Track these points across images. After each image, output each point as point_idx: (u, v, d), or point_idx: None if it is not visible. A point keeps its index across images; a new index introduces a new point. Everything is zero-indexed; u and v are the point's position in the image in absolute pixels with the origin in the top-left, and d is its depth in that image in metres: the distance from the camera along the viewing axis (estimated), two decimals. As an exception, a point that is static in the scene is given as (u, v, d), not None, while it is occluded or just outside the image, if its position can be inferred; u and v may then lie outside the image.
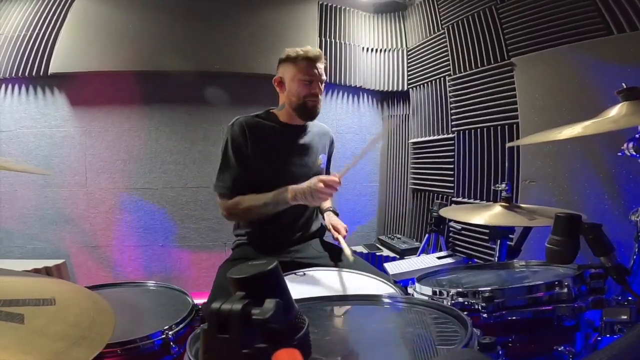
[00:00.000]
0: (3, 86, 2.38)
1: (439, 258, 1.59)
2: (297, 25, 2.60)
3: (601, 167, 1.45)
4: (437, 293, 0.76)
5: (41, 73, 2.32)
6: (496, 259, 1.29)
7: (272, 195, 1.23)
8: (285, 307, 0.32)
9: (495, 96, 1.97)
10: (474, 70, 2.12)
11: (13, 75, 2.32)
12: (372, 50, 2.84)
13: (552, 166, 1.64)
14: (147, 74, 2.43)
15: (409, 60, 2.81)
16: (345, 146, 2.80)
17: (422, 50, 2.63)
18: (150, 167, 2.51)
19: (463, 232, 2.15)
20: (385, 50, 2.86)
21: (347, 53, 2.74)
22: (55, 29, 2.33)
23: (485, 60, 2.03)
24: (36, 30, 2.33)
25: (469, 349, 0.44)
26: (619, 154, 0.94)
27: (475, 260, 2.06)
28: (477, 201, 2.10)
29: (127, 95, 2.47)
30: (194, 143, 2.54)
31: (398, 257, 2.38)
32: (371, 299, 0.71)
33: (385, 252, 2.52)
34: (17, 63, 2.31)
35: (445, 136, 2.37)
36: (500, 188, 1.25)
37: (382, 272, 1.27)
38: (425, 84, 2.58)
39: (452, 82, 2.30)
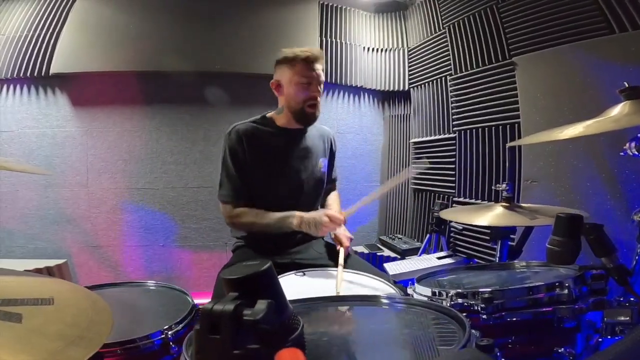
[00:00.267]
0: (5, 87, 2.39)
1: (439, 258, 1.59)
2: (298, 25, 2.59)
3: (603, 167, 1.44)
4: (437, 294, 0.76)
5: (42, 73, 2.32)
6: (497, 259, 1.28)
7: (277, 218, 1.24)
8: (278, 308, 0.32)
9: (497, 96, 1.96)
10: (475, 70, 2.11)
11: (15, 75, 2.33)
12: (373, 50, 2.84)
13: (554, 166, 1.63)
14: (148, 74, 2.44)
15: (410, 60, 2.80)
16: (346, 146, 2.80)
17: (423, 50, 2.62)
18: (151, 167, 2.51)
19: (464, 232, 2.15)
20: (386, 50, 2.85)
21: (348, 53, 2.74)
22: (57, 30, 2.34)
23: (486, 60, 2.03)
24: (37, 31, 2.34)
25: (470, 349, 0.44)
26: (621, 153, 0.93)
27: (476, 260, 2.06)
28: (479, 201, 2.10)
29: (128, 96, 2.48)
30: (195, 143, 2.54)
31: (399, 257, 2.37)
32: (369, 300, 0.71)
33: (386, 252, 2.52)
34: (18, 63, 2.32)
35: (447, 136, 2.36)
36: (500, 188, 1.24)
37: (382, 273, 1.27)
38: (426, 84, 2.58)
39: (453, 82, 2.29)
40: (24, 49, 2.32)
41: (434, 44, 2.48)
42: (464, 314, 0.55)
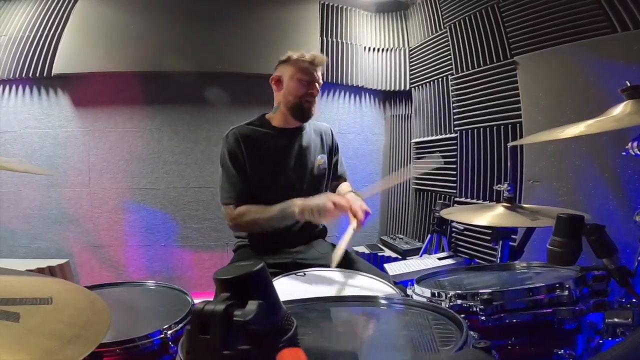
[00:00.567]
0: (7, 87, 2.41)
1: (439, 259, 1.58)
2: (299, 25, 2.59)
3: (606, 167, 1.43)
4: (436, 295, 0.75)
5: (44, 74, 2.34)
6: (498, 259, 1.27)
7: (278, 209, 1.22)
8: (270, 309, 0.32)
9: (498, 95, 1.95)
10: (477, 70, 2.10)
11: (17, 76, 2.34)
12: (373, 49, 2.83)
13: (556, 166, 1.62)
14: (149, 74, 2.44)
15: (411, 60, 2.80)
16: (347, 146, 2.80)
17: (424, 50, 2.62)
18: (153, 168, 2.52)
19: (466, 232, 2.14)
20: (387, 50, 2.84)
21: (349, 53, 2.73)
22: (58, 31, 2.35)
23: (487, 59, 2.02)
24: (39, 32, 2.36)
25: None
26: (624, 153, 0.92)
27: (477, 261, 2.05)
28: (480, 201, 2.09)
29: (129, 96, 2.49)
30: (196, 143, 2.55)
31: (400, 257, 2.36)
32: (368, 301, 0.71)
33: (388, 253, 2.51)
34: (20, 64, 2.34)
35: (448, 136, 2.36)
36: (502, 188, 1.23)
37: (383, 273, 1.26)
38: (428, 84, 2.57)
39: (454, 82, 2.29)
40: (25, 49, 2.34)
41: (435, 43, 2.47)
42: (462, 316, 0.54)
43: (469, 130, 2.17)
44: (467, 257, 2.10)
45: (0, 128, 2.41)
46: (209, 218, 2.56)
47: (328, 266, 1.21)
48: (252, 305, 0.29)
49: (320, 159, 1.41)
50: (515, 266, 0.99)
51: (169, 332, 0.83)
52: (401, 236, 2.71)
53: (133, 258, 2.53)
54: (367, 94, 2.89)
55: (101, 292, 1.04)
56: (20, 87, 2.41)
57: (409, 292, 0.87)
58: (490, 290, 0.69)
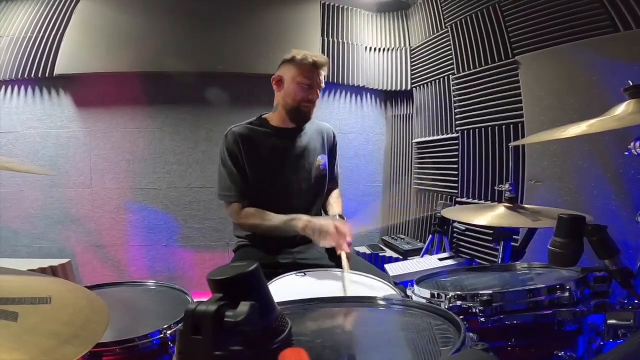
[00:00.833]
0: (9, 87, 2.42)
1: (440, 259, 1.57)
2: (300, 25, 2.59)
3: (609, 167, 1.42)
4: (435, 296, 0.75)
5: (47, 74, 2.35)
6: (499, 260, 1.27)
7: (283, 220, 1.23)
8: (263, 310, 0.31)
9: (500, 95, 1.94)
10: (478, 69, 2.09)
11: (19, 76, 2.36)
12: (375, 49, 2.83)
13: (558, 166, 1.61)
14: (151, 75, 2.45)
15: (412, 60, 2.79)
16: (348, 146, 2.79)
17: (425, 49, 2.61)
18: (154, 168, 2.52)
19: (467, 232, 2.13)
20: (388, 50, 2.84)
21: (350, 52, 2.73)
22: (60, 31, 2.36)
23: (489, 59, 2.01)
24: (41, 32, 2.37)
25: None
26: (626, 153, 0.92)
27: (477, 261, 2.04)
28: (482, 202, 2.08)
29: (131, 96, 2.49)
30: (197, 143, 2.55)
31: (401, 257, 2.36)
32: (366, 301, 0.70)
33: (389, 253, 2.51)
34: (22, 64, 2.35)
35: (449, 136, 2.35)
36: (503, 188, 1.22)
37: (383, 273, 1.26)
38: (429, 83, 2.56)
39: (456, 81, 2.28)
40: (27, 50, 2.35)
41: (437, 43, 2.47)
42: (461, 317, 0.54)
43: (471, 130, 2.16)
44: (468, 257, 2.09)
45: (3, 128, 2.42)
46: (210, 218, 2.57)
47: (329, 266, 1.21)
48: (244, 307, 0.29)
49: (320, 160, 1.41)
50: (516, 267, 0.99)
51: (169, 332, 0.83)
52: (402, 236, 2.70)
53: (134, 258, 2.53)
54: (368, 93, 2.89)
55: (102, 291, 1.04)
56: (23, 88, 2.43)
57: (408, 292, 0.86)
58: (489, 292, 0.69)
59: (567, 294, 0.69)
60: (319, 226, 1.16)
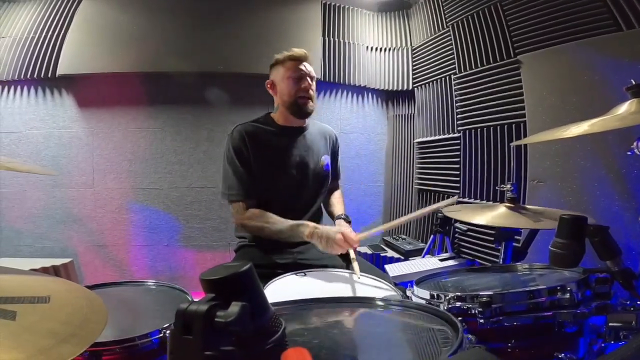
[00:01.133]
0: (12, 88, 2.43)
1: (441, 260, 1.57)
2: (301, 25, 2.59)
3: (612, 167, 1.41)
4: (435, 297, 0.75)
5: (49, 75, 2.36)
6: (501, 260, 1.26)
7: (289, 226, 1.23)
8: (256, 310, 0.31)
9: (502, 94, 1.93)
10: (480, 69, 2.08)
11: (22, 77, 2.37)
12: (376, 49, 2.82)
13: (560, 166, 1.60)
14: (152, 75, 2.46)
15: (413, 59, 2.78)
16: (349, 146, 2.79)
17: (427, 49, 2.60)
18: (156, 168, 2.53)
19: (469, 233, 2.12)
20: (389, 49, 2.83)
21: (351, 52, 2.73)
22: (62, 32, 2.37)
23: (491, 58, 2.00)
24: (43, 33, 2.38)
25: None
26: (629, 153, 0.91)
27: (478, 262, 2.03)
28: (484, 202, 2.07)
29: (132, 97, 2.50)
30: (199, 143, 2.56)
31: (403, 258, 2.35)
32: (364, 302, 0.70)
33: (390, 253, 2.50)
34: (25, 65, 2.36)
35: (451, 135, 2.34)
36: (504, 188, 1.22)
37: (384, 274, 1.26)
38: (431, 83, 2.55)
39: (457, 81, 2.27)
40: (30, 50, 2.36)
41: (438, 42, 2.46)
42: (459, 318, 0.54)
43: (472, 130, 2.15)
44: (469, 258, 2.08)
45: (6, 128, 2.43)
46: (211, 218, 2.57)
47: (330, 266, 1.21)
48: (235, 307, 0.29)
49: (324, 160, 1.42)
50: (517, 268, 0.98)
51: (169, 331, 0.82)
52: (404, 236, 2.69)
53: (136, 257, 2.54)
54: (369, 93, 2.88)
55: (102, 291, 1.04)
56: (25, 88, 2.44)
57: (408, 293, 0.86)
58: (489, 293, 0.68)
59: (568, 295, 0.69)
60: (326, 234, 1.15)
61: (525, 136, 1.79)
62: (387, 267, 1.52)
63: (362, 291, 0.97)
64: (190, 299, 1.00)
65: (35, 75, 2.37)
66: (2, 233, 2.43)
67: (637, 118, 0.80)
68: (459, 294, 0.71)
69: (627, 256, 0.76)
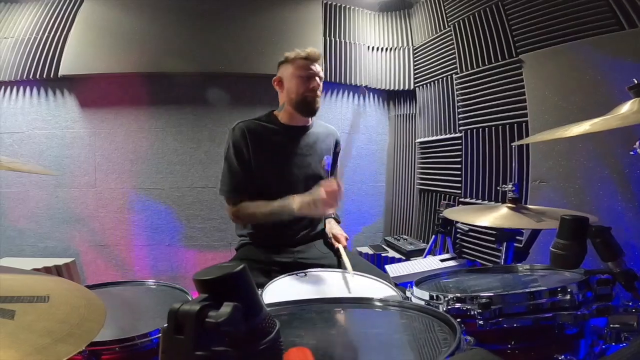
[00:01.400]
0: (15, 88, 2.45)
1: (442, 261, 1.56)
2: (302, 25, 2.59)
3: (614, 167, 1.40)
4: (434, 297, 0.74)
5: (51, 75, 2.37)
6: (502, 261, 1.25)
7: (277, 205, 1.23)
8: (249, 311, 0.31)
9: (504, 94, 1.92)
10: (482, 68, 2.07)
11: (24, 77, 2.38)
12: (377, 49, 2.82)
13: (563, 166, 1.59)
14: (154, 75, 2.46)
15: (415, 59, 2.77)
16: (350, 146, 2.78)
17: (428, 49, 2.59)
18: (157, 168, 2.54)
19: (470, 233, 2.11)
20: (391, 49, 2.83)
21: (353, 52, 2.72)
22: (64, 32, 2.38)
23: (492, 58, 1.99)
24: (45, 34, 2.39)
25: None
26: (631, 152, 0.90)
27: (479, 262, 2.02)
28: (485, 202, 2.06)
29: (134, 97, 2.51)
30: (200, 144, 2.56)
31: (404, 258, 2.34)
32: (363, 303, 0.70)
33: (391, 253, 2.49)
34: (27, 66, 2.37)
35: (453, 135, 2.33)
36: (506, 188, 1.21)
37: (384, 274, 1.25)
38: (432, 83, 2.54)
39: (459, 81, 2.26)
40: (32, 51, 2.37)
41: (440, 42, 2.45)
42: (458, 320, 0.53)
43: (474, 130, 2.14)
44: (471, 258, 2.07)
45: (9, 129, 2.45)
46: (212, 218, 2.57)
47: (330, 266, 1.21)
48: (226, 308, 0.29)
49: (325, 160, 1.42)
50: (518, 269, 0.97)
51: (164, 331, 0.82)
52: (405, 237, 2.68)
53: (138, 257, 2.55)
54: (371, 93, 2.88)
55: (103, 291, 1.04)
56: (28, 89, 2.45)
57: (407, 294, 0.85)
58: (488, 294, 0.67)
59: (568, 296, 0.68)
60: (311, 198, 1.15)
61: (527, 136, 1.78)
62: (387, 267, 1.51)
63: (362, 292, 0.97)
64: (190, 298, 1.00)
65: (37, 76, 2.38)
66: (5, 233, 2.45)
67: (640, 117, 0.80)
68: (458, 295, 0.71)
69: (629, 257, 0.75)
